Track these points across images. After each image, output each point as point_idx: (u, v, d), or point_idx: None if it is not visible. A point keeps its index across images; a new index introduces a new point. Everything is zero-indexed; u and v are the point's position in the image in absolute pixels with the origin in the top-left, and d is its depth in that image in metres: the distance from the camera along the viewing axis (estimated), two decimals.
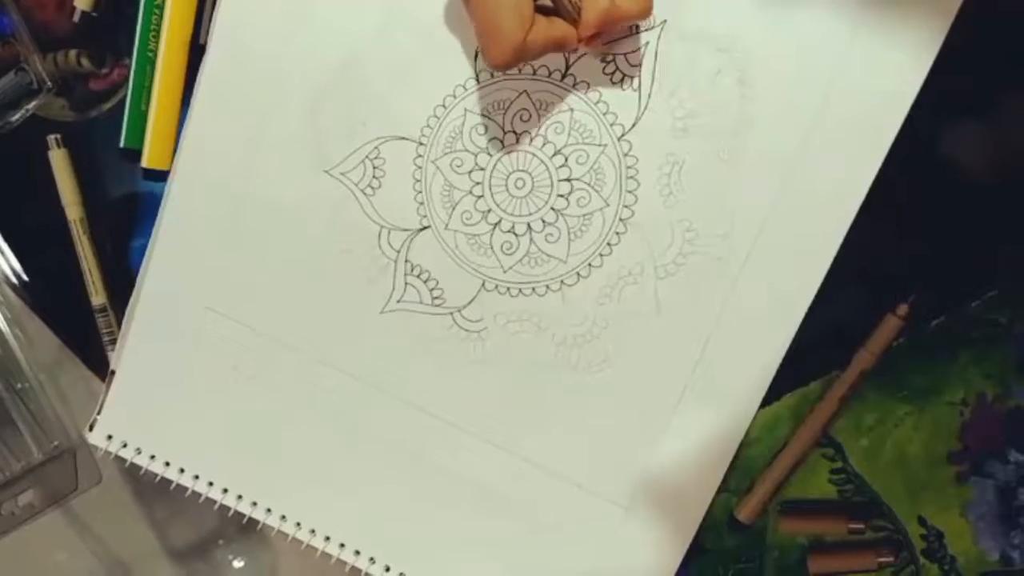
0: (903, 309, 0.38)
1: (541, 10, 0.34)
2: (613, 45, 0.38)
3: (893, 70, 0.36)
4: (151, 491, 0.48)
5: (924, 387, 0.39)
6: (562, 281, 0.41)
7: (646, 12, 0.34)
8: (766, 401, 0.40)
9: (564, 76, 0.39)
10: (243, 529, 0.53)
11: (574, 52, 0.37)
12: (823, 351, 0.40)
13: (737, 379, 0.40)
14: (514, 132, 0.40)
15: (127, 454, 0.46)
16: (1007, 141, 0.38)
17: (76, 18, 0.44)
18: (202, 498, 0.46)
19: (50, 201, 0.47)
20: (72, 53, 0.47)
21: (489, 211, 0.41)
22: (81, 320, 0.48)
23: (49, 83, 0.46)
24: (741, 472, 0.41)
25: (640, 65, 0.38)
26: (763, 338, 0.39)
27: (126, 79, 0.46)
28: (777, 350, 0.39)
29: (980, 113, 0.39)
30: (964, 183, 0.39)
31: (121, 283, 0.48)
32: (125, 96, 0.45)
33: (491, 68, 0.34)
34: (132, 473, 0.47)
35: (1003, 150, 0.38)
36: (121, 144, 0.44)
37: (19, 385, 0.49)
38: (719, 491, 0.41)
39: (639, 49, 0.38)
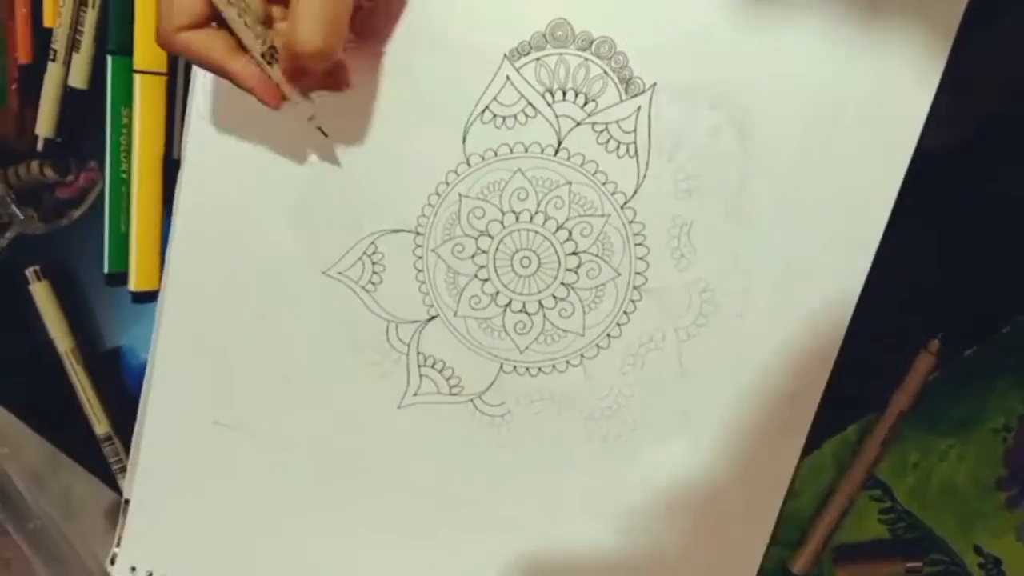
0: (934, 345, 0.38)
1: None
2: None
3: (896, 103, 0.35)
4: None
5: (964, 418, 0.38)
6: (582, 355, 0.40)
7: (321, 51, 0.31)
8: (807, 450, 0.39)
9: (557, 151, 0.37)
10: None
11: (273, 106, 0.34)
12: (856, 393, 0.39)
13: (774, 432, 0.39)
14: (513, 212, 0.38)
15: None
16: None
17: (40, 147, 0.43)
18: None
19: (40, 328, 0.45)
20: (34, 165, 0.45)
21: (498, 293, 0.39)
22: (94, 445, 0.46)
23: (20, 215, 0.44)
24: (790, 524, 0.41)
25: (635, 131, 0.37)
26: (795, 387, 0.38)
27: (94, 183, 0.45)
28: (811, 398, 0.38)
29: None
30: (983, 212, 0.38)
31: (122, 402, 0.46)
32: (97, 200, 0.43)
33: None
34: None
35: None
36: (105, 270, 0.43)
37: (30, 525, 0.48)
38: (770, 545, 0.40)
39: (631, 115, 0.37)
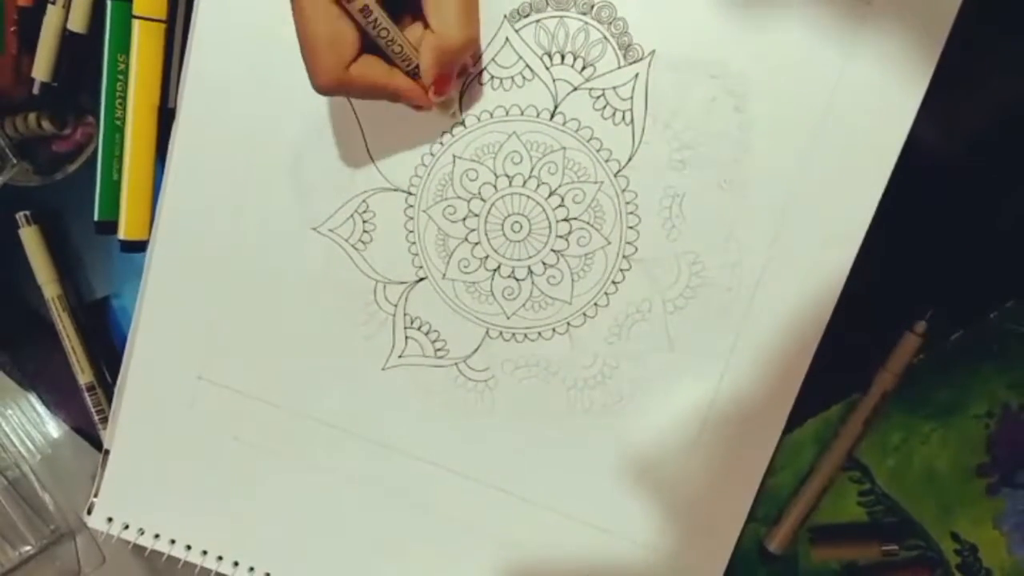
0: (921, 326, 0.38)
1: (388, 58, 0.33)
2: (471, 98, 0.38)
3: (892, 84, 0.35)
4: (155, 553, 0.46)
5: (948, 403, 0.38)
6: (568, 323, 0.40)
7: (473, 40, 0.34)
8: (788, 428, 0.39)
9: (553, 115, 0.37)
10: None
11: (428, 108, 0.36)
12: (842, 374, 0.39)
13: (756, 409, 0.39)
14: (506, 175, 0.38)
15: (130, 535, 0.44)
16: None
17: (36, 90, 0.42)
18: (212, 573, 0.44)
19: (27, 271, 0.45)
20: (32, 116, 0.45)
21: (487, 257, 0.39)
22: (75, 394, 0.46)
23: (13, 159, 0.44)
24: (768, 501, 0.40)
25: (631, 98, 0.37)
26: (780, 366, 0.38)
27: (91, 138, 0.45)
28: (795, 377, 0.38)
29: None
30: (974, 196, 0.38)
31: (108, 353, 0.46)
32: (91, 156, 0.43)
33: (315, 91, 0.33)
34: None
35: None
36: (95, 217, 0.42)
37: (9, 474, 0.47)
38: (747, 522, 0.40)
39: (629, 82, 0.36)
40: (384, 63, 0.33)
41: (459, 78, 0.37)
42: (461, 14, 0.32)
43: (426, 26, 0.33)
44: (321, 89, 0.33)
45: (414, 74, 0.34)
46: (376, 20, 0.31)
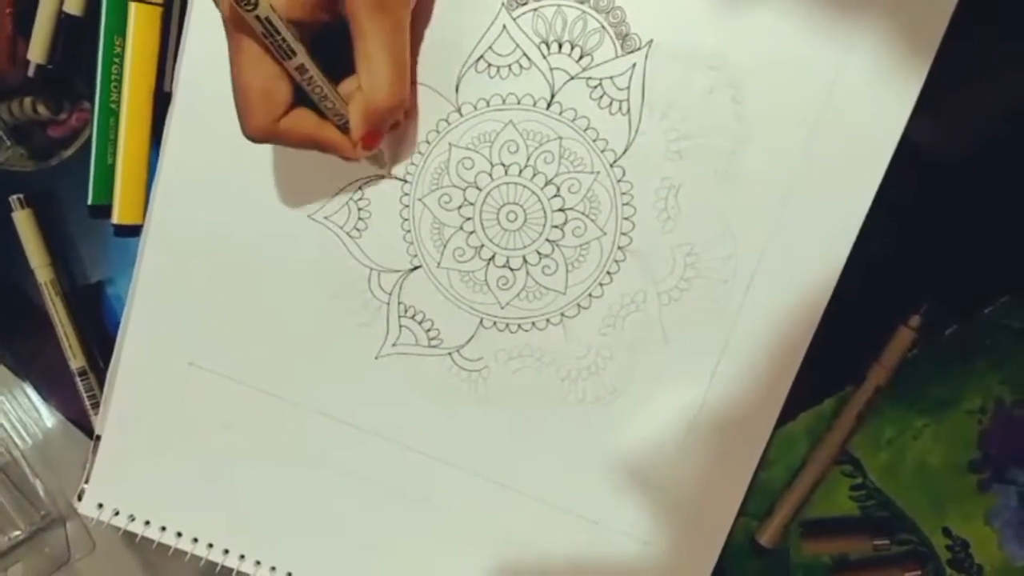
0: (915, 320, 0.37)
1: (318, 110, 0.34)
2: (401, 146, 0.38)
3: (889, 78, 0.35)
4: (145, 540, 0.46)
5: (941, 397, 0.38)
6: (562, 314, 0.39)
7: (401, 102, 0.34)
8: (781, 421, 0.39)
9: (550, 104, 0.37)
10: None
11: (356, 160, 0.36)
12: (835, 367, 0.39)
13: (750, 401, 0.39)
14: (502, 164, 0.38)
15: (120, 522, 0.44)
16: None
17: (31, 72, 0.42)
18: (203, 561, 0.44)
19: (20, 259, 0.45)
20: (27, 101, 0.44)
21: (482, 246, 0.39)
22: (67, 380, 0.46)
23: (8, 141, 0.44)
24: (760, 495, 0.40)
25: (628, 88, 0.36)
26: (773, 359, 0.38)
27: (86, 123, 0.44)
28: (788, 369, 0.38)
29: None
30: (972, 189, 0.38)
31: (101, 339, 0.46)
32: (86, 141, 0.43)
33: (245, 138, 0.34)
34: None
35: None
36: (89, 201, 0.42)
37: None
38: (739, 516, 0.40)
39: (626, 72, 0.36)
40: (315, 115, 0.34)
41: (393, 133, 0.37)
42: (392, 76, 0.33)
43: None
44: (251, 138, 0.33)
45: (345, 128, 0.34)
46: (311, 78, 0.32)
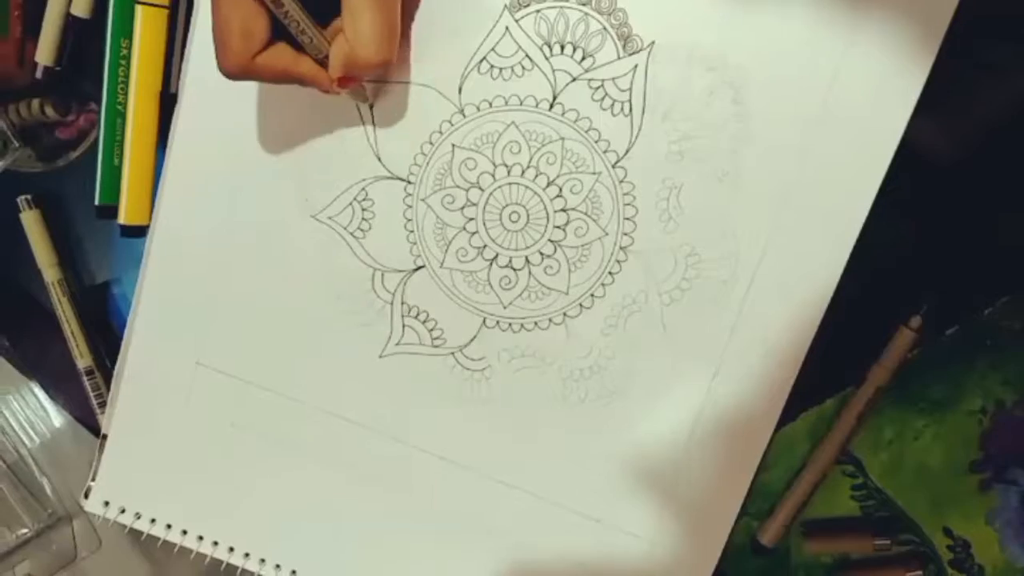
0: (916, 321, 0.38)
1: (296, 44, 0.34)
2: (383, 88, 0.38)
3: (890, 79, 0.35)
4: (151, 537, 0.46)
5: (942, 398, 0.38)
6: (565, 314, 0.40)
7: (385, 62, 0.33)
8: (782, 422, 0.39)
9: (552, 105, 0.37)
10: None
11: (335, 94, 0.35)
12: (836, 368, 0.39)
13: (751, 401, 0.39)
14: (505, 165, 0.38)
15: (126, 520, 0.45)
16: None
17: (39, 74, 0.43)
18: (207, 558, 0.44)
19: (28, 258, 0.45)
20: (35, 103, 0.45)
21: (485, 247, 0.39)
22: (74, 380, 0.46)
23: (16, 142, 0.45)
24: (761, 495, 0.41)
25: (630, 89, 0.37)
26: (775, 359, 0.38)
27: (93, 125, 0.45)
28: (790, 369, 0.38)
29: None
30: (973, 190, 0.38)
31: (107, 338, 0.46)
32: (94, 143, 0.43)
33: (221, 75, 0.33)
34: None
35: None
36: (96, 201, 0.43)
37: (7, 457, 0.48)
38: (740, 516, 0.40)
39: (628, 73, 0.37)
40: (292, 50, 0.34)
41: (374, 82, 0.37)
42: (379, 34, 0.32)
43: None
44: (227, 74, 0.33)
45: (324, 63, 0.34)
46: (287, 12, 0.32)
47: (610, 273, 0.39)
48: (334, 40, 0.33)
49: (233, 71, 0.33)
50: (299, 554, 0.44)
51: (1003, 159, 0.38)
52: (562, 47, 0.37)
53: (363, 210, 0.40)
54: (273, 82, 0.34)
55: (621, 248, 0.39)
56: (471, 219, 0.39)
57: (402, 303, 0.41)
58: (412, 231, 0.40)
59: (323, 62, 0.34)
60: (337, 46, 0.33)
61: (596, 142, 0.38)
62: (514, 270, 0.40)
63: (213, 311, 0.42)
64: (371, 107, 0.39)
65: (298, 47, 0.34)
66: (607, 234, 0.38)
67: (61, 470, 0.48)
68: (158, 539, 0.45)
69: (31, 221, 0.44)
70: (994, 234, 0.38)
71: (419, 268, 0.40)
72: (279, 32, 0.33)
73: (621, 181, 0.38)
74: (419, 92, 0.38)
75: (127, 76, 0.41)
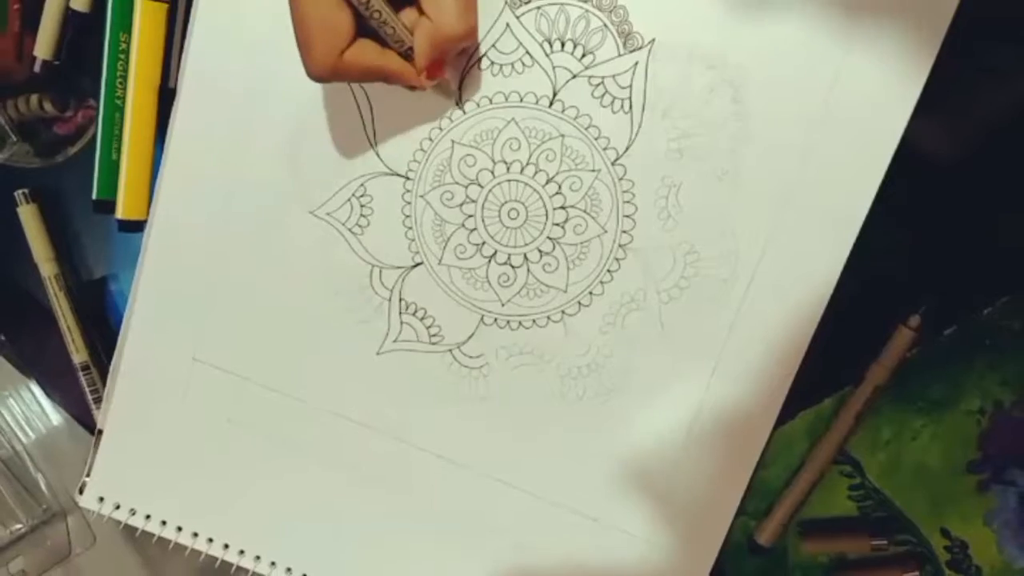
0: (915, 321, 0.38)
1: (381, 40, 0.33)
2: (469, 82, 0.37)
3: (890, 79, 0.35)
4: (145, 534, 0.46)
5: (940, 398, 0.38)
6: (563, 311, 0.40)
7: (471, 31, 0.33)
8: (780, 421, 0.39)
9: (552, 102, 0.37)
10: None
11: (421, 89, 0.35)
12: (835, 367, 0.39)
13: (749, 400, 0.39)
14: (504, 162, 0.38)
15: (120, 516, 0.44)
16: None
17: (37, 68, 0.42)
18: (202, 556, 0.44)
19: (24, 254, 0.45)
20: (34, 98, 0.45)
21: (483, 244, 0.39)
22: (70, 376, 0.46)
23: (14, 136, 0.44)
24: (759, 495, 0.40)
25: (630, 87, 0.37)
26: (773, 358, 0.38)
27: (92, 121, 0.45)
28: (788, 368, 0.38)
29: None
30: (972, 190, 0.38)
31: (104, 334, 0.46)
32: (92, 139, 0.43)
33: (309, 78, 0.33)
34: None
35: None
36: (93, 196, 0.42)
37: (2, 452, 0.48)
38: (737, 515, 0.40)
39: (628, 70, 0.37)
40: (377, 46, 0.33)
41: (459, 60, 0.37)
42: (459, 4, 0.32)
43: (421, 12, 0.32)
44: (316, 77, 0.32)
45: (408, 56, 0.33)
46: (370, 3, 0.31)
47: (609, 271, 0.39)
48: (416, 27, 0.33)
49: (320, 72, 0.32)
50: (294, 551, 0.44)
51: (1003, 160, 0.38)
52: (562, 44, 0.37)
53: (362, 206, 0.40)
54: (361, 80, 0.34)
55: (620, 246, 0.38)
56: (470, 216, 0.39)
57: (400, 300, 0.41)
58: (411, 227, 0.40)
59: (406, 56, 0.33)
60: (422, 30, 0.32)
61: (596, 139, 0.37)
62: (512, 267, 0.39)
63: (210, 307, 0.42)
64: (371, 107, 0.39)
65: (382, 42, 0.33)
66: (606, 232, 0.38)
67: (56, 466, 0.48)
68: (153, 536, 0.44)
69: (28, 215, 0.44)
70: (994, 235, 0.38)
71: (417, 265, 0.40)
72: (360, 29, 0.32)
73: (620, 179, 0.38)
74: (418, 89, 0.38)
75: (126, 70, 0.41)
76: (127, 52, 0.41)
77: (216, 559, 0.44)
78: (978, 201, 0.38)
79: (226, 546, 0.44)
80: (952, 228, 0.38)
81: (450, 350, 0.41)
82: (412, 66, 0.34)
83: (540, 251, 0.39)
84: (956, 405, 0.38)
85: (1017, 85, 0.37)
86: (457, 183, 0.39)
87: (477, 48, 0.37)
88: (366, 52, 0.33)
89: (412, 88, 0.35)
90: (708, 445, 0.39)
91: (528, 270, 0.39)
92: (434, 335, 0.41)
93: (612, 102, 0.37)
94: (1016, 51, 0.37)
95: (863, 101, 0.35)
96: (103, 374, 0.45)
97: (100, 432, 0.44)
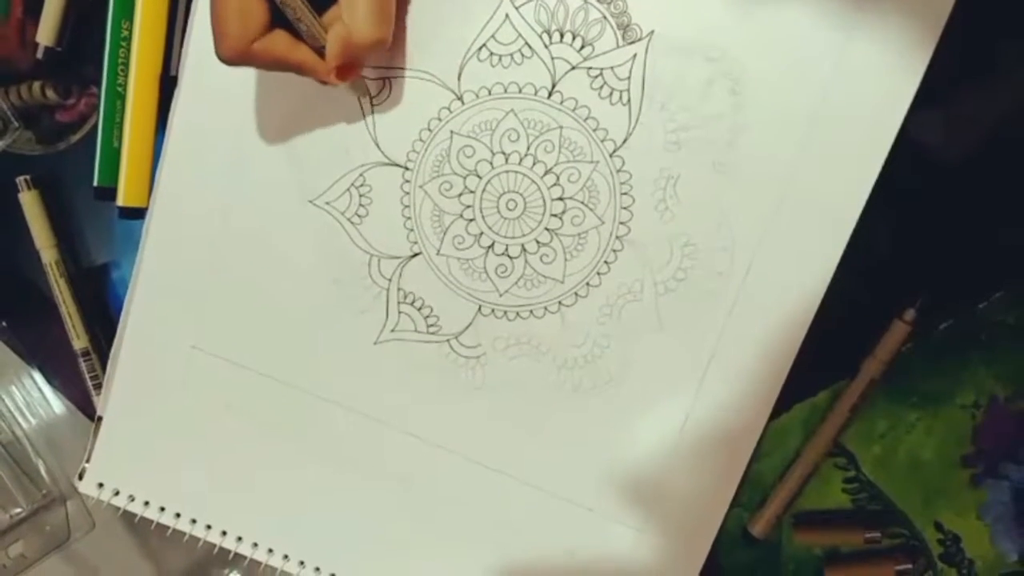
0: (910, 314, 0.38)
1: (295, 32, 0.34)
2: (391, 80, 0.38)
3: (888, 72, 0.35)
4: (144, 520, 0.46)
5: (935, 392, 0.39)
6: (560, 302, 0.40)
7: (382, 40, 0.33)
8: (775, 413, 0.39)
9: (551, 93, 0.37)
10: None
11: (333, 85, 0.36)
12: (830, 360, 0.39)
13: (744, 392, 0.39)
14: (503, 153, 0.38)
15: (119, 502, 0.45)
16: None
17: (40, 54, 0.43)
18: (200, 542, 0.44)
19: (26, 239, 0.45)
20: (36, 85, 0.45)
21: (481, 234, 0.40)
22: (71, 363, 0.46)
23: (16, 123, 0.45)
24: (753, 486, 0.41)
25: (629, 78, 0.37)
26: (769, 350, 0.38)
27: (94, 109, 0.45)
28: (784, 361, 0.38)
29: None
30: (968, 184, 0.38)
31: (104, 321, 0.46)
32: (94, 126, 0.43)
33: (219, 60, 0.33)
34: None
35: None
36: (94, 183, 0.43)
37: (2, 437, 0.48)
38: (731, 506, 0.40)
39: (627, 62, 0.37)
40: (291, 37, 0.34)
41: (379, 59, 0.37)
42: (373, 13, 0.32)
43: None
44: (225, 60, 0.33)
45: (322, 52, 0.34)
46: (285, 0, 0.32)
47: (606, 262, 0.39)
48: (331, 27, 0.33)
49: (230, 56, 0.33)
50: (293, 538, 0.44)
51: (1001, 156, 0.38)
52: (561, 35, 0.37)
53: (361, 196, 0.40)
54: (270, 69, 0.34)
55: (617, 237, 0.39)
56: (468, 206, 0.39)
57: (398, 289, 0.41)
58: (409, 217, 0.40)
59: (320, 52, 0.34)
60: (334, 32, 0.33)
61: (594, 131, 0.38)
62: (510, 258, 0.40)
63: (210, 294, 0.42)
64: (371, 100, 0.39)
65: (296, 35, 0.34)
66: (603, 223, 0.38)
67: (56, 451, 0.48)
68: (152, 521, 0.45)
69: (30, 201, 0.44)
70: (990, 229, 0.38)
71: (416, 255, 0.40)
72: (278, 20, 0.33)
73: (618, 170, 0.38)
74: (418, 79, 0.38)
75: (127, 58, 0.41)
76: (129, 40, 0.41)
77: (215, 545, 0.45)
78: (974, 196, 0.38)
79: (224, 533, 0.45)
80: (948, 222, 0.38)
81: (447, 340, 0.41)
82: (322, 62, 0.34)
83: (538, 242, 0.39)
84: (951, 399, 0.38)
85: (1016, 82, 0.37)
86: (456, 173, 0.39)
87: (476, 39, 0.37)
88: (277, 43, 0.33)
89: (324, 83, 0.35)
90: (704, 436, 0.40)
91: (526, 261, 0.40)
92: (432, 325, 0.41)
93: (611, 94, 0.37)
94: (1018, 47, 0.37)
95: (861, 94, 0.35)
96: (103, 361, 0.46)
97: (100, 418, 0.45)
